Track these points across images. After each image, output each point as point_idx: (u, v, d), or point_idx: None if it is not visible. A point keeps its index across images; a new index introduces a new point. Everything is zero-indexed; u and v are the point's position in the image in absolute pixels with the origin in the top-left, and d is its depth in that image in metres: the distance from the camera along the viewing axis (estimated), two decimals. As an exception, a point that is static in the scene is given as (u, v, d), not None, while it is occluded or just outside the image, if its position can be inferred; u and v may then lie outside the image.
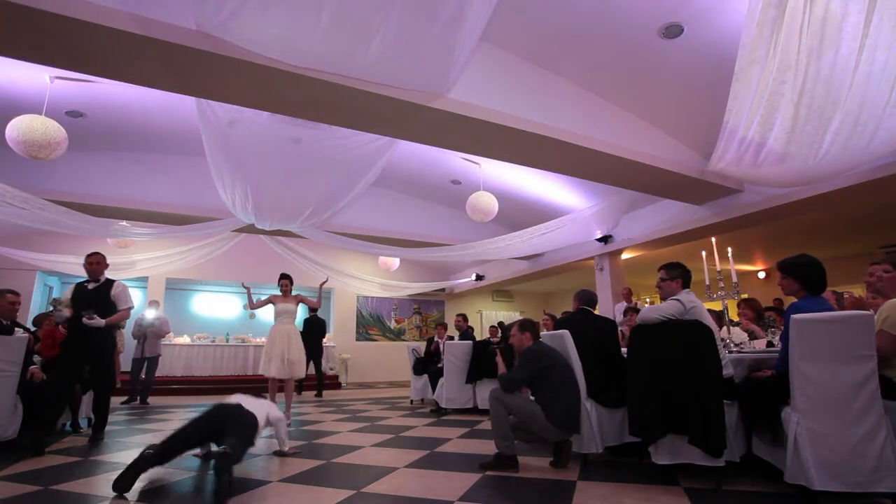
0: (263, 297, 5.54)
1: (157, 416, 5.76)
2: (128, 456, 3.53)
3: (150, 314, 7.74)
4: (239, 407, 3.09)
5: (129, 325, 7.61)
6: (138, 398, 7.27)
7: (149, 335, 7.49)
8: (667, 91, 5.10)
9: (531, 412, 3.05)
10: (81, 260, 8.45)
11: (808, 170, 4.16)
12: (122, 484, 2.53)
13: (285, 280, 5.54)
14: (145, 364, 7.41)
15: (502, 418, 3.07)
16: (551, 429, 3.00)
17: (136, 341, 7.51)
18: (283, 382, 5.37)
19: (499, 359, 3.71)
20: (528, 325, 3.38)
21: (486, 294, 14.46)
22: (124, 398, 7.22)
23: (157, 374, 9.42)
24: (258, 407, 3.23)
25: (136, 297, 10.75)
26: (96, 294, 4.24)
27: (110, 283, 4.35)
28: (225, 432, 2.81)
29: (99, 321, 4.05)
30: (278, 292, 5.45)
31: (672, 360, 2.70)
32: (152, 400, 7.57)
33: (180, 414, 6.05)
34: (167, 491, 2.63)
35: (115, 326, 4.53)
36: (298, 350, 5.27)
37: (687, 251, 7.16)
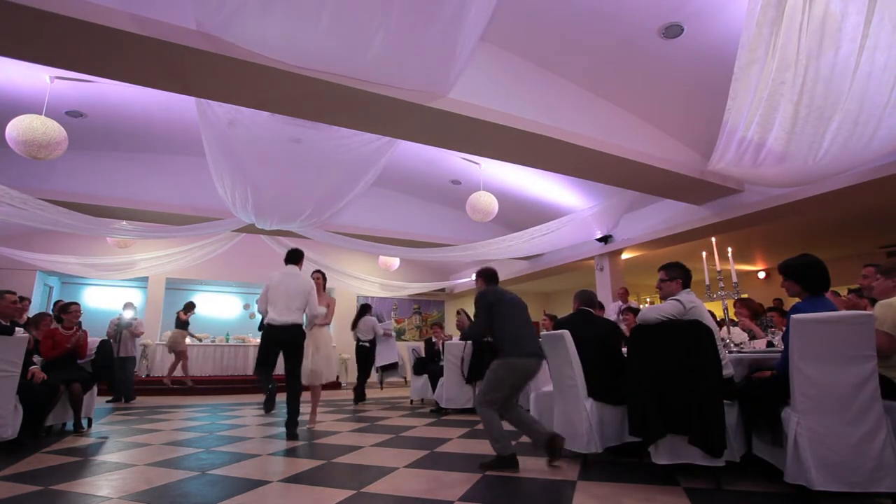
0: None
1: (157, 417, 5.76)
2: (128, 456, 3.54)
3: (127, 314, 7.76)
4: None
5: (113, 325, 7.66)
6: (122, 398, 7.33)
7: (124, 335, 7.54)
8: (667, 91, 5.10)
9: (494, 374, 3.13)
10: (81, 260, 8.39)
11: (808, 170, 4.16)
12: None
13: (317, 274, 5.02)
14: (121, 363, 7.42)
15: (491, 420, 3.11)
16: (508, 363, 3.09)
17: (111, 340, 7.54)
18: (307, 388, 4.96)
19: None
20: (482, 273, 3.46)
21: (486, 294, 14.44)
22: (109, 397, 7.31)
23: (156, 374, 9.48)
24: None
25: (137, 297, 10.83)
26: None
27: None
28: None
29: None
30: None
31: (672, 360, 2.70)
32: (151, 400, 7.57)
33: (180, 414, 6.05)
34: (168, 491, 2.63)
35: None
36: (325, 357, 4.92)
37: (687, 251, 7.16)
